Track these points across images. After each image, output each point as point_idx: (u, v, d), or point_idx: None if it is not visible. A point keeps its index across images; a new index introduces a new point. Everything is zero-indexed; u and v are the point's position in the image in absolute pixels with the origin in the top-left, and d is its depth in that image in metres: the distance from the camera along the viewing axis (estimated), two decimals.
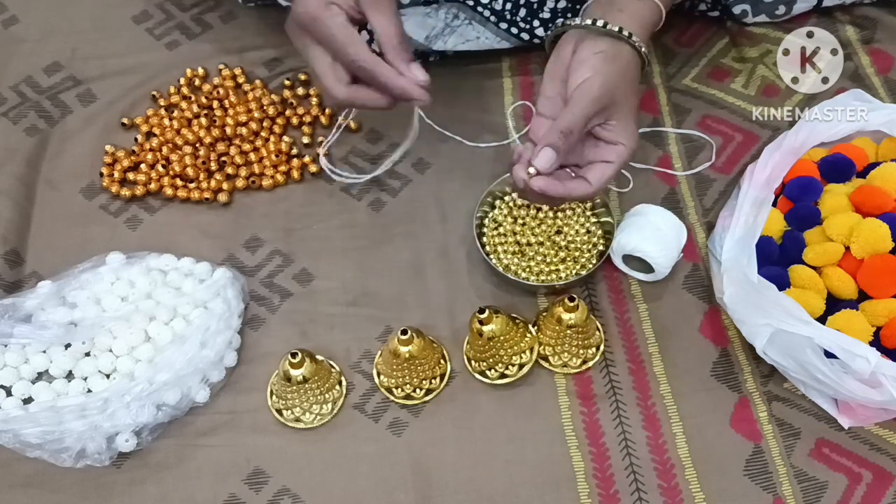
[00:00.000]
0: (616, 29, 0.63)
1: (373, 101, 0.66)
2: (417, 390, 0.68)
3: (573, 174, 0.66)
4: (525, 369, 0.68)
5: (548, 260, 0.72)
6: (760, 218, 0.68)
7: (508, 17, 0.81)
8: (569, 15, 0.63)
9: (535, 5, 0.80)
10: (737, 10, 0.85)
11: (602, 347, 0.69)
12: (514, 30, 0.82)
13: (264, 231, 0.78)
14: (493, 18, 0.81)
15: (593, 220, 0.74)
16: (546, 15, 0.81)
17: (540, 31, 0.82)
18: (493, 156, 0.81)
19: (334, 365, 0.70)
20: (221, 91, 0.86)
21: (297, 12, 0.63)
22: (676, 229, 0.71)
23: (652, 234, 0.70)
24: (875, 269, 0.65)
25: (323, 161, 0.79)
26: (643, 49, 0.64)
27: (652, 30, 0.67)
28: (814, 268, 0.67)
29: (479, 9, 0.80)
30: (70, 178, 0.82)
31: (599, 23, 0.62)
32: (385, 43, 0.63)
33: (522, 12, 0.81)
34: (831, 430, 0.65)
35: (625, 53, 0.63)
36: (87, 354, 0.70)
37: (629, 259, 0.72)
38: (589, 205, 0.75)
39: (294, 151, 0.82)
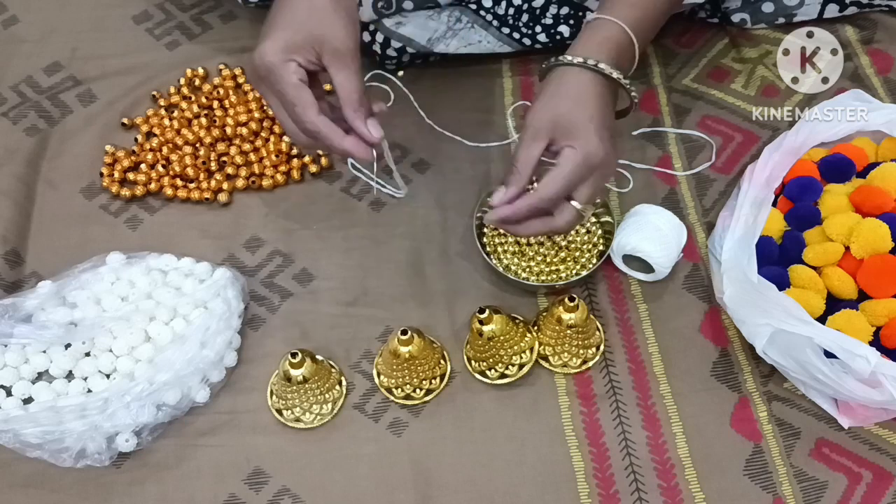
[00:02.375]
0: (566, 59, 0.64)
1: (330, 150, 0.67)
2: (417, 390, 0.68)
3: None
4: (525, 369, 0.68)
5: (548, 260, 0.73)
6: (760, 218, 0.68)
7: (511, 21, 0.81)
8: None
9: (538, 11, 0.80)
10: (736, 18, 0.86)
11: (602, 347, 0.69)
12: (515, 35, 0.82)
13: (264, 231, 0.78)
14: (495, 23, 0.81)
15: (593, 220, 0.74)
16: (548, 21, 0.81)
17: (542, 37, 0.82)
18: (493, 156, 0.81)
19: (334, 365, 0.70)
20: (221, 91, 0.86)
21: (255, 62, 0.62)
22: (676, 229, 0.71)
23: (652, 234, 0.70)
24: (875, 269, 0.65)
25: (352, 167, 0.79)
26: (604, 69, 0.63)
27: (615, 43, 0.65)
28: (814, 268, 0.67)
29: (482, 13, 0.80)
30: (70, 178, 0.82)
31: (552, 60, 0.65)
32: (344, 99, 0.63)
33: (525, 17, 0.81)
34: (831, 430, 0.65)
35: (576, 77, 0.64)
36: (87, 354, 0.70)
37: (629, 259, 0.72)
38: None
39: (294, 151, 0.82)
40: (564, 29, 0.81)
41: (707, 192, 0.78)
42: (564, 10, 0.80)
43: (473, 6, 0.79)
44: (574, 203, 0.64)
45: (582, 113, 0.63)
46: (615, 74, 0.64)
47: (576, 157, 0.62)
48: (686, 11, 0.87)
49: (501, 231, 0.74)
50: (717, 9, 0.86)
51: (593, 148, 0.62)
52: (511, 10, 0.80)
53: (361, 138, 0.64)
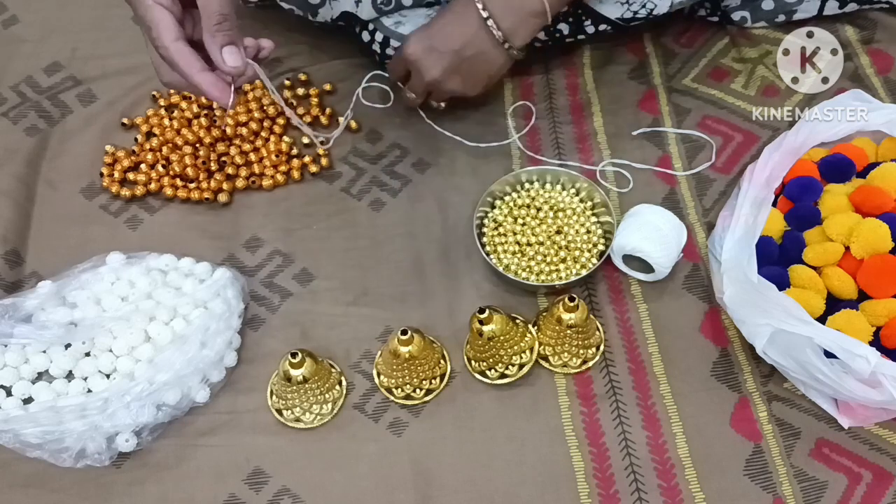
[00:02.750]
0: None
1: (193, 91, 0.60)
2: (417, 390, 0.68)
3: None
4: (525, 369, 0.68)
5: (548, 260, 0.73)
6: (760, 218, 0.68)
7: None
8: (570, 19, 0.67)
9: None
10: (736, 16, 0.85)
11: (602, 347, 0.69)
12: None
13: (264, 231, 0.78)
14: None
15: (593, 220, 0.74)
16: None
17: (540, 35, 0.82)
18: (493, 156, 0.81)
19: (334, 365, 0.70)
20: None
21: None
22: (676, 229, 0.71)
23: (652, 234, 0.70)
24: (875, 269, 0.65)
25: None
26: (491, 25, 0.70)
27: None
28: (814, 268, 0.67)
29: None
30: (70, 178, 0.82)
31: None
32: (204, 20, 0.56)
33: None
34: (831, 430, 0.65)
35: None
36: (87, 354, 0.70)
37: (629, 259, 0.72)
38: (589, 204, 0.75)
39: (294, 151, 0.82)
40: (564, 27, 0.81)
41: (707, 192, 0.78)
42: (563, 8, 0.80)
43: None
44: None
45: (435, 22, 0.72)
46: (490, 24, 0.70)
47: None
48: (686, 10, 0.87)
49: (501, 231, 0.74)
50: (717, 7, 0.86)
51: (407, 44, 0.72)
52: None
53: (217, 66, 0.57)
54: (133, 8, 0.58)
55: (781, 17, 0.85)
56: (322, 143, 0.78)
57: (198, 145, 0.83)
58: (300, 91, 0.87)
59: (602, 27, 0.81)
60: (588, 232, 0.74)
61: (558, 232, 0.74)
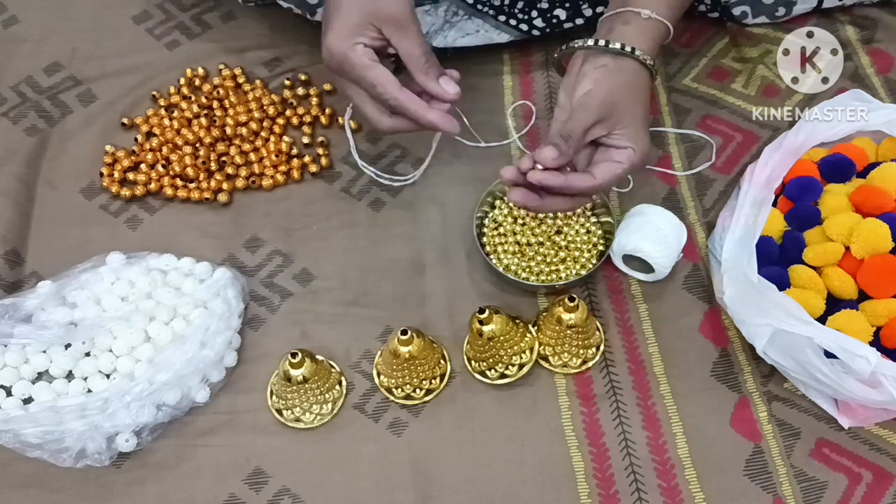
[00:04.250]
0: (618, 46, 0.64)
1: (415, 129, 0.69)
2: (417, 390, 0.68)
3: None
4: (525, 369, 0.68)
5: (548, 260, 0.72)
6: (760, 218, 0.68)
7: (507, 9, 0.81)
8: (578, 41, 0.67)
9: None
10: (736, 11, 0.85)
11: (602, 347, 0.69)
12: (512, 21, 0.82)
13: (264, 231, 0.78)
14: (491, 12, 0.81)
15: (593, 220, 0.74)
16: (544, 5, 0.82)
17: (538, 22, 0.82)
18: (493, 156, 0.81)
19: (334, 365, 0.70)
20: (221, 91, 0.86)
21: (326, 58, 0.65)
22: (676, 229, 0.71)
23: (652, 234, 0.70)
24: (875, 269, 0.65)
25: (361, 163, 0.78)
26: (648, 61, 0.65)
27: (660, 42, 0.68)
28: (814, 268, 0.67)
29: (479, 6, 0.80)
30: (70, 178, 0.82)
31: (601, 42, 0.65)
32: (412, 66, 0.65)
33: (520, 4, 0.81)
34: (831, 430, 0.65)
35: (628, 66, 0.65)
36: (87, 354, 0.70)
37: (629, 259, 0.72)
38: (589, 205, 0.75)
39: (294, 151, 0.82)
40: (560, 12, 0.82)
41: (707, 192, 0.78)
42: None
43: (470, 0, 0.80)
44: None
45: (637, 107, 0.65)
46: (656, 71, 0.67)
47: (634, 158, 0.65)
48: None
49: (501, 231, 0.74)
50: (718, 2, 0.86)
51: (646, 151, 0.65)
52: (507, 0, 0.80)
53: (439, 98, 0.65)
54: (345, 74, 0.64)
55: (781, 11, 0.85)
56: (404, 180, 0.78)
57: (198, 145, 0.83)
58: (300, 91, 0.87)
59: (599, 9, 0.81)
60: (588, 232, 0.74)
61: (558, 232, 0.74)
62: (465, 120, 0.77)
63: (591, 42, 0.65)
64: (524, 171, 0.64)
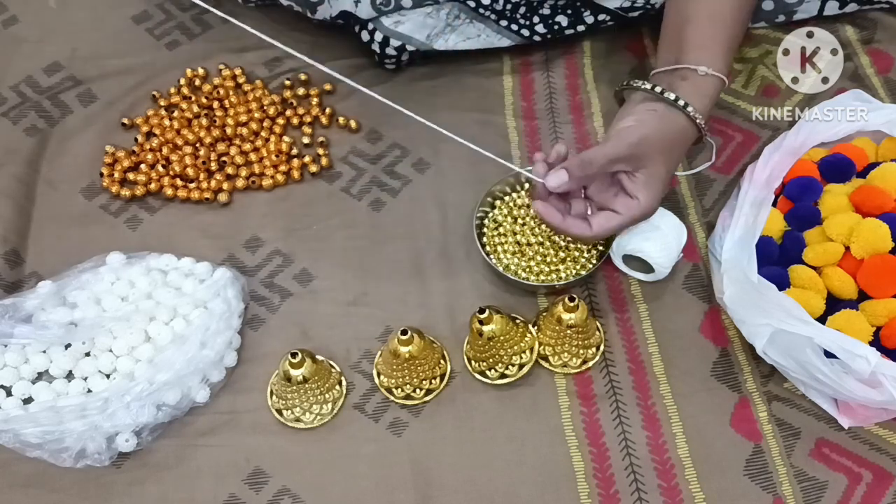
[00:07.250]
0: (672, 97, 0.65)
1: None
2: (417, 390, 0.68)
3: (589, 211, 0.67)
4: (525, 369, 0.68)
5: (548, 260, 0.72)
6: (760, 218, 0.68)
7: (509, 14, 0.81)
8: (635, 82, 0.67)
9: (535, 3, 0.81)
10: None
11: (602, 347, 0.69)
12: (514, 27, 0.82)
13: (264, 231, 0.78)
14: (493, 17, 0.81)
15: None
16: (546, 11, 0.81)
17: (540, 28, 0.82)
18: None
19: (334, 365, 0.70)
20: (221, 91, 0.86)
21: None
22: (676, 229, 0.71)
23: (652, 234, 0.70)
24: (875, 269, 0.65)
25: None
26: (699, 119, 0.65)
27: (716, 98, 0.68)
28: (814, 268, 0.67)
29: (481, 10, 0.80)
30: (70, 178, 0.82)
31: (657, 89, 0.65)
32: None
33: (522, 10, 0.81)
34: (831, 430, 0.65)
35: (677, 119, 0.65)
36: (87, 354, 0.70)
37: (629, 259, 0.72)
38: None
39: (294, 151, 0.82)
40: (562, 19, 0.81)
41: (707, 192, 0.78)
42: (562, 1, 0.80)
43: (472, 3, 0.80)
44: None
45: (668, 161, 0.65)
46: (708, 138, 0.67)
47: (634, 211, 0.64)
48: None
49: (501, 231, 0.74)
50: None
51: (649, 208, 0.64)
52: (508, 5, 0.80)
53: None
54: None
55: (781, 18, 0.85)
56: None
57: (198, 145, 0.83)
58: (300, 91, 0.87)
59: (601, 17, 0.81)
60: None
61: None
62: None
63: (648, 86, 0.66)
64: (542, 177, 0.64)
